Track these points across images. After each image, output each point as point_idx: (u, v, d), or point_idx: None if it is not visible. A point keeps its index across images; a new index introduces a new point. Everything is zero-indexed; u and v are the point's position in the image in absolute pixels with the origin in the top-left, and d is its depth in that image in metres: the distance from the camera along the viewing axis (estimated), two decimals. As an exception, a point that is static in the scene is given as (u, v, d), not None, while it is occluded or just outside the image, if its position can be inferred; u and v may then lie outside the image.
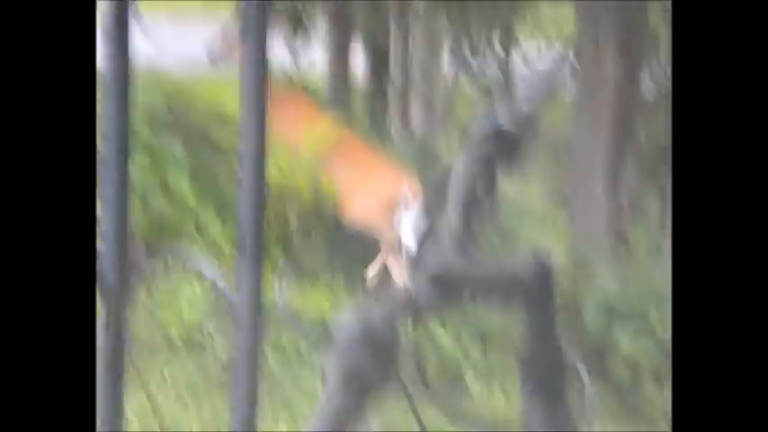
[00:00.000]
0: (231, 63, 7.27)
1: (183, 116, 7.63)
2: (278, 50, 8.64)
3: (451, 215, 1.45)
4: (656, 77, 7.33)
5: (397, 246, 6.31)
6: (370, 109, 9.13)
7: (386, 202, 6.28)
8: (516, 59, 9.64)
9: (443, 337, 5.42)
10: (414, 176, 6.24)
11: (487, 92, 9.42)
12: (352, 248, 6.15)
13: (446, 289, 1.48)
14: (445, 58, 9.54)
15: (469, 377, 5.33)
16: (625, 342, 5.36)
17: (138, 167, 5.87)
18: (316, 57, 9.16)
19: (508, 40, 9.69)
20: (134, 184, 1.48)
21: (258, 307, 1.41)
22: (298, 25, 9.32)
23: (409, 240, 6.28)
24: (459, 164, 1.48)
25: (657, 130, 6.97)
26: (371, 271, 6.51)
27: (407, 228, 6.50)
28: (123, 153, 1.38)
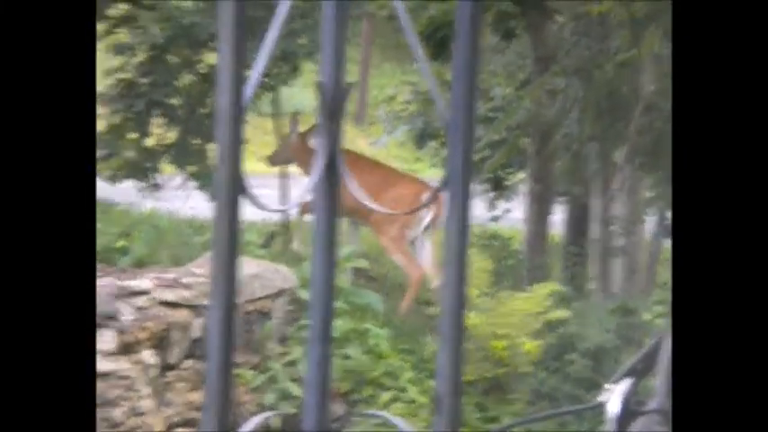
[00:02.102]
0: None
1: (380, 267, 7.81)
2: (478, 205, 8.91)
3: (661, 388, 1.41)
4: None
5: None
6: (568, 266, 9.13)
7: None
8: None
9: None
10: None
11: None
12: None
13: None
14: (648, 218, 9.43)
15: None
16: None
17: (336, 316, 5.90)
18: (515, 214, 9.35)
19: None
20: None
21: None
22: (499, 183, 9.63)
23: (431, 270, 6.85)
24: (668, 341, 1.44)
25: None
26: (405, 304, 6.99)
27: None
28: (329, 304, 1.35)
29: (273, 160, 8.44)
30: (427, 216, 7.61)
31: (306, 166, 8.15)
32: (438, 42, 8.12)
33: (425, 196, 7.44)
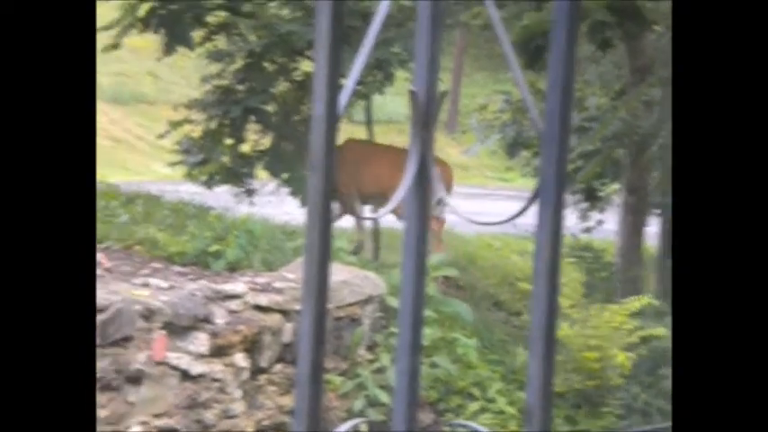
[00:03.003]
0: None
1: (469, 276, 7.91)
2: (570, 216, 8.98)
3: None
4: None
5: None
6: (663, 280, 9.14)
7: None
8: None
9: None
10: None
11: None
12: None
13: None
14: None
15: None
16: None
17: (425, 325, 5.99)
18: (608, 225, 9.37)
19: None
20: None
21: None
22: (592, 194, 9.67)
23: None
24: None
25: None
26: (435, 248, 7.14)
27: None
28: (418, 313, 1.36)
29: None
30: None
31: None
32: (532, 51, 8.07)
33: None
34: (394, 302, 5.98)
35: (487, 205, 12.54)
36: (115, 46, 8.18)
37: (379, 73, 7.89)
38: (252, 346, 5.44)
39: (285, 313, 5.59)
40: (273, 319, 5.55)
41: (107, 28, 8.14)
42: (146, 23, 8.04)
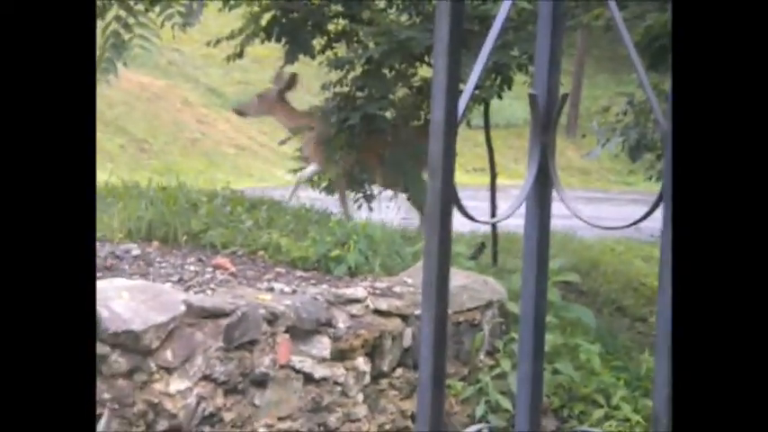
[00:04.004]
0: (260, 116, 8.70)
1: (591, 281, 7.89)
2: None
3: None
4: None
5: None
6: None
7: None
8: None
9: None
10: None
11: None
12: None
13: None
14: None
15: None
16: None
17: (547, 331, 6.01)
18: None
19: None
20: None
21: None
22: None
23: None
24: None
25: None
26: None
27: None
28: (540, 319, 1.37)
29: (245, 111, 8.73)
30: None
31: (284, 122, 8.62)
32: (655, 52, 7.89)
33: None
34: (514, 308, 5.93)
35: (609, 209, 12.31)
36: (239, 55, 8.37)
37: (498, 77, 7.85)
38: (373, 351, 5.48)
39: (405, 318, 5.61)
40: (394, 324, 5.57)
41: (230, 37, 8.33)
42: (268, 33, 8.19)
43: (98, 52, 6.20)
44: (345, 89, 8.32)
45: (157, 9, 6.25)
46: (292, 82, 8.38)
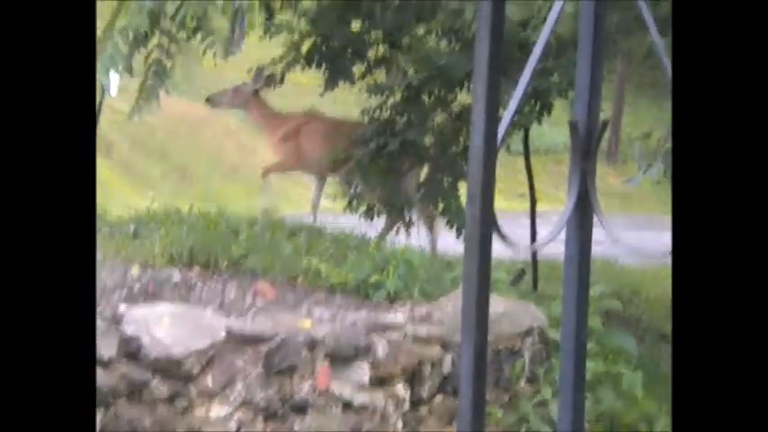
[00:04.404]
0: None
1: (633, 308, 7.85)
2: None
3: None
4: None
5: None
6: None
7: None
8: None
9: None
10: None
11: None
12: None
13: None
14: None
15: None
16: None
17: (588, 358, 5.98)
18: None
19: None
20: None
21: None
22: None
23: None
24: None
25: None
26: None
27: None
28: (581, 346, 1.37)
29: (216, 102, 8.72)
30: None
31: (256, 118, 8.73)
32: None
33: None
34: (555, 334, 5.88)
35: (651, 236, 12.21)
36: (280, 82, 8.44)
37: (538, 103, 7.84)
38: (412, 377, 5.46)
39: (445, 344, 5.58)
40: (433, 350, 5.55)
41: (271, 65, 8.40)
42: (308, 60, 8.26)
43: (140, 80, 6.28)
44: (385, 115, 8.34)
45: (199, 37, 6.32)
46: (270, 81, 8.49)
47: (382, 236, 8.22)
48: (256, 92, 8.62)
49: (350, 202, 8.57)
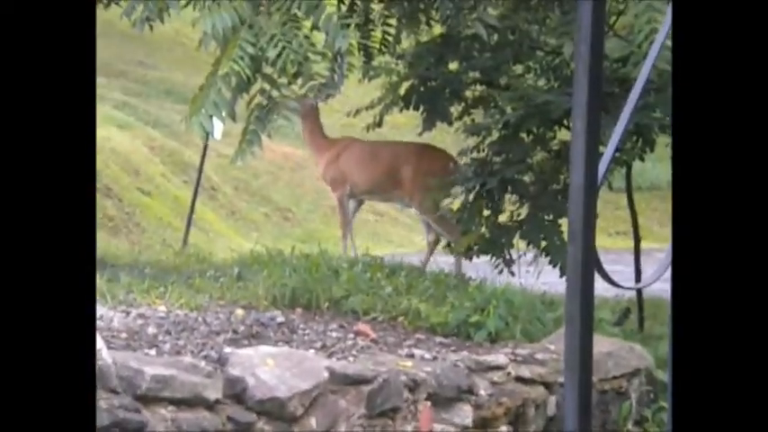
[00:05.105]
0: None
1: None
2: None
3: None
4: None
5: None
6: None
7: None
8: None
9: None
10: None
11: None
12: None
13: None
14: None
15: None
16: None
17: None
18: None
19: None
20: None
21: None
22: None
23: None
24: None
25: None
26: None
27: None
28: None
29: (299, 107, 8.79)
30: None
31: (307, 135, 8.91)
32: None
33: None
34: (662, 375, 5.74)
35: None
36: (378, 124, 8.52)
37: (640, 139, 7.72)
38: (516, 419, 5.38)
39: (549, 386, 5.50)
40: (537, 392, 5.47)
41: (370, 107, 8.49)
42: (407, 101, 8.32)
43: (243, 125, 6.42)
44: (482, 155, 8.33)
45: (299, 81, 6.44)
46: (328, 97, 8.60)
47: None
48: (315, 106, 8.81)
49: (450, 242, 8.56)
